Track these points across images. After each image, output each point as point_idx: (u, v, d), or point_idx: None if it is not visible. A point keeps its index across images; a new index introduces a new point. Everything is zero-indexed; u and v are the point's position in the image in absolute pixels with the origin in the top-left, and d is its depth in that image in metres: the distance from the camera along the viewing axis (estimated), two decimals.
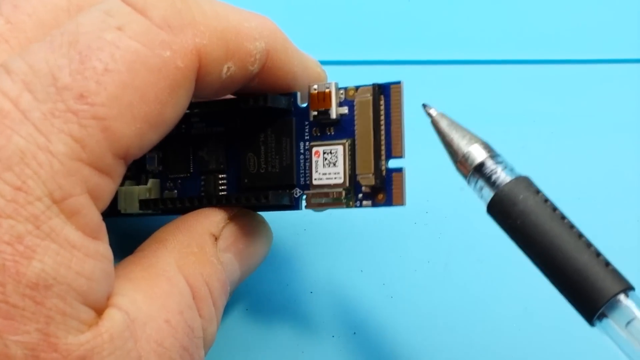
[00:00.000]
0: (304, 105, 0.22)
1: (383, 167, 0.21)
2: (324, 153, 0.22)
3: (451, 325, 0.24)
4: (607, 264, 0.17)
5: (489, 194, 0.19)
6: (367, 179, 0.21)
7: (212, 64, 0.19)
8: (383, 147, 0.21)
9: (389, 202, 0.21)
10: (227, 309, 0.24)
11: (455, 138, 0.19)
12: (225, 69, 0.19)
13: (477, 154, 0.19)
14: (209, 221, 0.22)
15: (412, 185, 0.24)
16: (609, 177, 0.28)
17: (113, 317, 0.17)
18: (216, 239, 0.21)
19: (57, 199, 0.16)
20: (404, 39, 0.33)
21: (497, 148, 0.29)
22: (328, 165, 0.21)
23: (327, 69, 0.32)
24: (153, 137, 0.18)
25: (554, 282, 0.18)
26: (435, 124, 0.20)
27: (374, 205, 0.21)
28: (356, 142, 0.21)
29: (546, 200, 0.18)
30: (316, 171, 0.22)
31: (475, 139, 0.19)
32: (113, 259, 0.18)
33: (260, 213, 0.23)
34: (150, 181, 0.23)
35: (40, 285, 0.16)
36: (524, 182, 0.18)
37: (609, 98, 0.31)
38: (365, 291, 0.25)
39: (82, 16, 0.18)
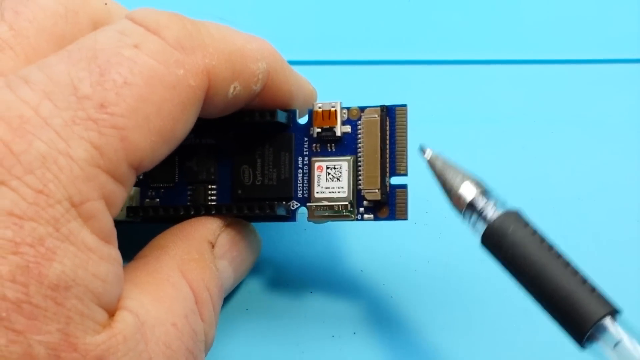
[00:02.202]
0: (302, 121, 0.23)
1: (387, 184, 0.22)
2: (327, 168, 0.23)
3: (451, 325, 0.24)
4: (593, 289, 0.18)
5: (481, 228, 0.20)
6: (372, 194, 0.22)
7: (220, 84, 0.20)
8: (387, 165, 0.23)
9: (392, 217, 0.23)
10: (228, 309, 0.24)
11: (448, 178, 0.21)
12: (231, 89, 0.20)
13: (469, 192, 0.20)
14: (206, 229, 0.22)
15: (412, 185, 0.24)
16: (609, 177, 0.28)
17: (125, 319, 0.18)
18: (213, 246, 0.22)
19: (75, 203, 0.17)
20: (404, 39, 0.33)
21: (497, 148, 0.30)
22: (332, 179, 0.23)
23: (327, 69, 0.32)
24: (164, 151, 0.19)
25: (544, 309, 0.19)
26: (430, 165, 0.21)
27: (376, 219, 0.23)
28: (362, 159, 0.23)
29: (534, 232, 0.19)
30: (318, 185, 0.23)
31: (467, 176, 0.21)
32: (122, 263, 0.18)
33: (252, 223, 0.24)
34: (133, 189, 0.23)
35: (60, 287, 0.16)
36: (513, 216, 0.20)
37: (609, 98, 0.31)
38: (365, 291, 0.25)
39: (98, 34, 0.19)
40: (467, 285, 0.25)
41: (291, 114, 0.23)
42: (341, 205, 0.22)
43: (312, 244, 0.26)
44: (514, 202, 0.27)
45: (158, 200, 0.24)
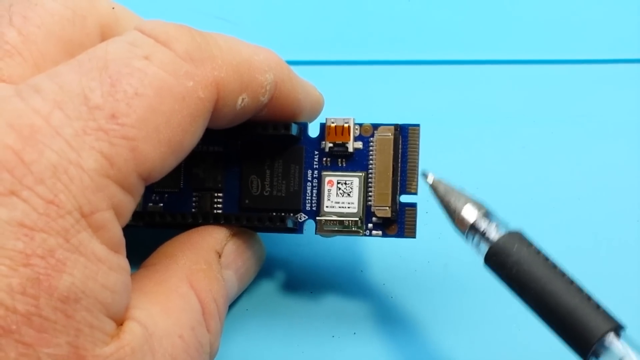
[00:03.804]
0: (313, 134, 0.23)
1: (397, 201, 0.23)
2: (338, 183, 0.23)
3: (451, 325, 0.24)
4: (598, 306, 0.18)
5: (484, 248, 0.20)
6: (383, 212, 0.23)
7: (229, 96, 0.20)
8: (398, 183, 0.23)
9: (400, 234, 0.23)
10: (228, 309, 0.24)
11: (451, 201, 0.21)
12: (240, 101, 0.20)
13: (471, 214, 0.21)
14: (214, 239, 0.23)
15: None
16: (609, 177, 0.28)
17: (134, 331, 0.18)
18: (219, 255, 0.22)
19: (85, 213, 0.17)
20: (404, 39, 0.33)
21: (497, 148, 0.29)
22: (342, 195, 0.23)
23: (327, 69, 0.32)
24: (172, 162, 0.19)
25: (549, 326, 0.19)
26: (433, 189, 0.22)
27: (384, 235, 0.23)
28: (373, 175, 0.23)
29: (538, 252, 0.20)
30: (328, 199, 0.23)
31: (469, 200, 0.21)
32: (130, 272, 0.18)
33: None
34: None
35: (70, 299, 0.16)
36: (516, 236, 0.20)
37: (609, 98, 0.31)
38: (365, 291, 0.25)
39: (108, 44, 0.19)
40: (466, 285, 0.25)
41: (302, 126, 0.23)
42: (351, 220, 0.23)
43: (313, 245, 0.26)
44: (514, 202, 0.27)
45: (162, 205, 0.23)
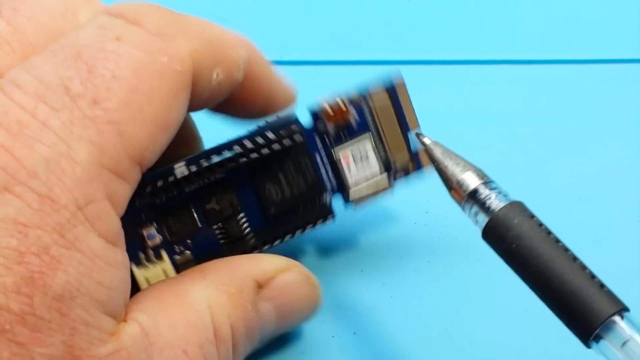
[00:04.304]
0: (305, 123, 0.23)
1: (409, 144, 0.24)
2: (352, 153, 0.23)
3: (451, 325, 0.24)
4: (602, 285, 0.18)
5: (483, 219, 0.19)
6: (402, 157, 0.24)
7: (204, 70, 0.19)
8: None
9: (419, 168, 0.24)
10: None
11: (449, 165, 0.20)
12: (215, 75, 0.20)
13: (471, 181, 0.20)
14: (258, 267, 0.21)
15: (412, 185, 0.24)
16: (609, 177, 0.28)
17: (134, 335, 0.18)
18: (260, 286, 0.21)
19: (80, 205, 0.17)
20: (404, 39, 0.33)
21: (497, 148, 0.29)
22: (360, 160, 0.24)
23: (327, 69, 0.32)
24: (163, 140, 0.19)
25: (549, 305, 0.18)
26: (429, 152, 0.21)
27: (407, 176, 0.24)
28: (381, 132, 0.24)
29: (540, 224, 0.19)
30: (349, 172, 0.24)
31: (468, 166, 0.20)
32: (129, 266, 0.18)
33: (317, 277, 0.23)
34: (163, 255, 0.22)
35: (65, 297, 0.16)
36: (518, 207, 0.19)
37: (609, 98, 0.31)
38: (365, 291, 0.25)
39: (79, 31, 0.18)
40: (467, 285, 0.25)
41: (295, 119, 0.23)
42: (379, 179, 0.24)
43: (312, 244, 0.26)
44: None
45: (189, 252, 0.22)
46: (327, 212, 0.23)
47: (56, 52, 0.18)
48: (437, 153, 0.21)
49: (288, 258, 0.22)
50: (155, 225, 0.22)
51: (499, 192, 0.19)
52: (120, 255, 0.18)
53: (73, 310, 0.16)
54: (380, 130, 0.24)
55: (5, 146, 0.16)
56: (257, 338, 0.22)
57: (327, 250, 0.26)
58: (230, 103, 0.22)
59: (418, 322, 0.24)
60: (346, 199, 0.24)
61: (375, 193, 0.24)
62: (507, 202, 0.19)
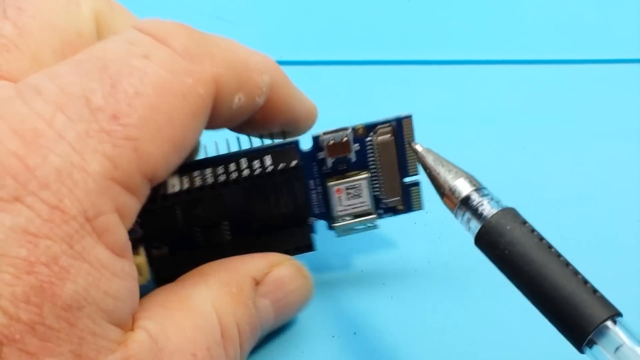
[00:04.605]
0: (306, 147, 0.23)
1: (403, 186, 0.24)
2: (347, 189, 0.23)
3: (451, 325, 0.24)
4: (595, 291, 0.17)
5: (476, 225, 0.19)
6: (395, 202, 0.24)
7: (226, 94, 0.20)
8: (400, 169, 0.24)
9: (409, 209, 0.24)
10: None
11: (441, 172, 0.20)
12: (237, 99, 0.20)
13: (463, 188, 0.20)
14: (253, 265, 0.22)
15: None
16: (609, 177, 0.28)
17: (143, 343, 0.18)
18: (257, 283, 0.22)
19: (89, 217, 0.17)
20: (404, 39, 0.33)
21: (497, 148, 0.30)
22: (352, 197, 0.24)
23: (327, 69, 0.32)
24: (176, 160, 0.19)
25: (542, 310, 0.18)
26: (421, 160, 0.21)
27: (395, 214, 0.25)
28: (379, 171, 0.24)
29: (533, 230, 0.19)
30: (340, 204, 0.24)
31: (460, 172, 0.20)
32: (137, 277, 0.18)
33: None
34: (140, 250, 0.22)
35: (73, 307, 0.16)
36: (510, 213, 0.19)
37: (609, 98, 0.31)
38: (365, 291, 0.25)
39: (107, 44, 0.18)
40: (467, 285, 0.25)
41: (296, 145, 0.23)
42: (368, 218, 0.24)
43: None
44: (514, 202, 0.27)
45: (167, 248, 0.22)
46: (307, 244, 0.23)
47: (82, 63, 0.18)
48: (429, 160, 0.21)
49: (279, 254, 0.23)
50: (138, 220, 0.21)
51: (491, 199, 0.19)
52: (127, 266, 0.18)
53: (81, 320, 0.16)
54: (378, 167, 0.24)
55: (19, 155, 0.16)
56: (258, 335, 0.22)
57: (327, 250, 0.26)
58: (249, 123, 0.22)
59: (418, 322, 0.24)
60: (330, 226, 0.24)
61: (361, 230, 0.24)
62: (500, 209, 0.19)
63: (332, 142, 0.23)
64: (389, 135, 0.23)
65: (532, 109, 0.31)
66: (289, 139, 0.23)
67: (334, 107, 0.30)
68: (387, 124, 0.23)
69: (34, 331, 0.16)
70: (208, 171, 0.21)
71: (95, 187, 0.17)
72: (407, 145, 0.23)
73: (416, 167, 0.24)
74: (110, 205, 0.17)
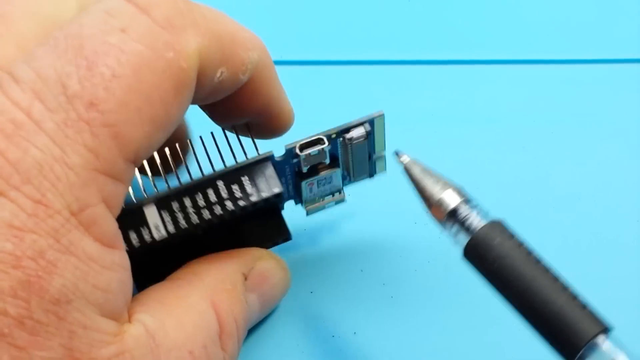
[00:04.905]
0: (278, 154, 0.23)
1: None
2: (318, 181, 0.24)
3: (451, 325, 0.24)
4: (584, 306, 0.17)
5: (464, 238, 0.19)
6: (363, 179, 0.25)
7: (208, 67, 0.19)
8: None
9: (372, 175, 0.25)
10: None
11: (428, 185, 0.20)
12: (218, 73, 0.19)
13: (451, 200, 0.19)
14: (242, 260, 0.22)
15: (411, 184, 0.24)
16: (609, 177, 0.28)
17: (139, 338, 0.18)
18: (245, 278, 0.22)
19: (75, 211, 0.16)
20: (404, 39, 0.33)
21: (497, 148, 0.29)
22: (323, 185, 0.24)
23: (327, 69, 0.32)
24: (160, 137, 0.18)
25: (532, 325, 0.18)
26: (407, 171, 0.20)
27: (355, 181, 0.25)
28: (352, 162, 0.24)
29: (521, 244, 0.18)
30: (310, 193, 0.24)
31: (448, 184, 0.20)
32: (130, 267, 0.18)
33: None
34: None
35: (61, 301, 0.16)
36: (498, 226, 0.19)
37: (609, 98, 0.31)
38: (365, 291, 0.25)
39: (84, 17, 0.18)
40: (467, 285, 0.25)
41: (270, 159, 0.22)
42: (336, 197, 0.24)
43: (312, 244, 0.26)
44: (514, 202, 0.27)
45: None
46: (285, 237, 0.23)
47: (58, 42, 0.17)
48: (416, 172, 0.20)
49: (258, 248, 0.23)
50: None
51: (480, 211, 0.19)
52: (117, 257, 0.17)
53: (70, 313, 0.16)
54: (350, 160, 0.24)
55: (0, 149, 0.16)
56: (247, 329, 0.22)
57: (327, 250, 0.26)
58: (223, 103, 0.21)
59: (418, 322, 0.24)
60: (301, 204, 0.25)
61: (330, 206, 0.25)
62: (488, 222, 0.19)
63: (308, 153, 0.23)
64: (362, 139, 0.23)
65: (532, 109, 0.31)
66: (262, 154, 0.22)
67: (333, 107, 0.30)
68: (360, 124, 0.23)
69: (22, 325, 0.16)
70: (188, 204, 0.21)
71: (78, 180, 0.16)
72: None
73: (384, 165, 0.25)
74: (96, 196, 0.17)
